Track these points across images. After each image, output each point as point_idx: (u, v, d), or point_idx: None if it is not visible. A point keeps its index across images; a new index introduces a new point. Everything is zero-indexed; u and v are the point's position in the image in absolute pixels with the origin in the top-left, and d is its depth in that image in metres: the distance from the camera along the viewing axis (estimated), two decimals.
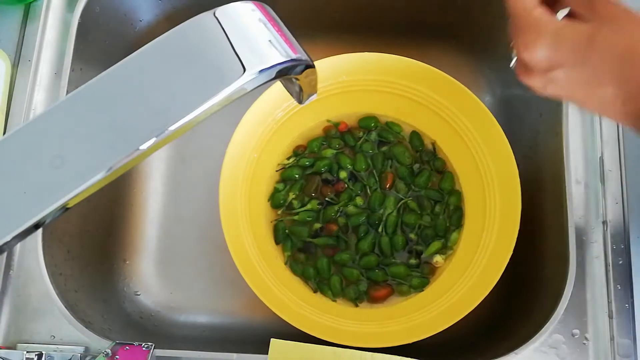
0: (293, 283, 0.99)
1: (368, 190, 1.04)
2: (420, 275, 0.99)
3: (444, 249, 1.00)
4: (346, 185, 1.04)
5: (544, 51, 0.60)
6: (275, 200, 1.04)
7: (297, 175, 1.05)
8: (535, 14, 0.61)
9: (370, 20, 1.16)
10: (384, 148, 1.06)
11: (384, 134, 1.06)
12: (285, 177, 1.05)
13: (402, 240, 1.01)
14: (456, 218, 1.01)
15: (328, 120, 1.07)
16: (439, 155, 1.05)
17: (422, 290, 0.98)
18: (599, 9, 0.59)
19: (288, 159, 1.06)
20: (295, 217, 1.03)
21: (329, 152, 1.05)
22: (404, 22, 1.16)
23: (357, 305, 0.99)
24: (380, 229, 1.01)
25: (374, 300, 0.99)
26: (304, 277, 1.00)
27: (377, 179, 1.04)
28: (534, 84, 0.64)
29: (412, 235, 1.02)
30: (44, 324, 0.88)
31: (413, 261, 1.00)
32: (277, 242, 1.02)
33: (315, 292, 0.99)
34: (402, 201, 1.02)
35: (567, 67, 0.60)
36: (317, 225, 1.03)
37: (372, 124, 1.06)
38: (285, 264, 1.01)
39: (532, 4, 0.62)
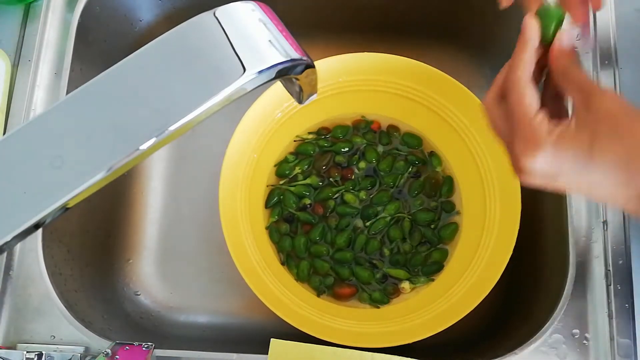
0: (293, 283, 0.99)
1: (375, 188, 1.05)
2: (381, 291, 0.99)
3: (413, 279, 1.00)
4: (354, 176, 1.04)
5: (544, 162, 0.59)
6: (282, 169, 1.05)
7: (311, 152, 1.06)
8: (535, 123, 0.60)
9: (370, 21, 1.16)
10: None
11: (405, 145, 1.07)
12: (299, 151, 1.06)
13: (376, 246, 1.01)
14: (450, 232, 1.02)
15: (362, 116, 1.07)
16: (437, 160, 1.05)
17: (378, 307, 0.98)
18: (594, 108, 0.58)
19: (309, 134, 1.07)
20: (292, 188, 1.04)
21: (359, 140, 1.06)
22: (404, 22, 1.16)
23: (318, 296, 0.99)
24: (363, 225, 1.02)
25: (337, 296, 1.00)
26: (278, 246, 1.02)
27: (394, 183, 1.04)
28: (535, 185, 0.63)
29: (386, 250, 1.02)
30: (44, 324, 0.88)
31: (378, 275, 1.00)
32: (266, 206, 1.04)
33: (282, 264, 1.01)
34: (401, 214, 1.03)
35: (569, 175, 0.60)
36: (307, 201, 1.04)
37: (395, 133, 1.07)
38: (266, 228, 1.02)
39: (534, 110, 0.61)
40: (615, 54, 0.96)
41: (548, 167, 0.60)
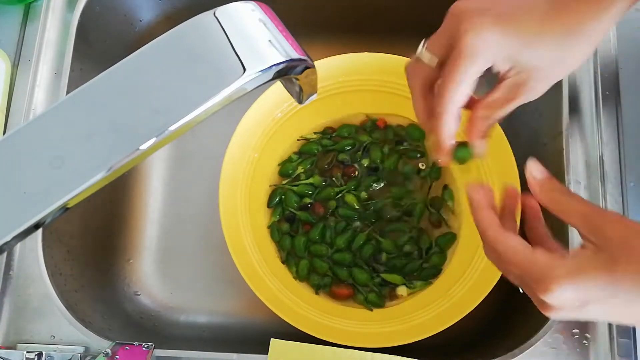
0: (292, 282, 0.99)
1: (377, 187, 1.05)
2: (377, 294, 0.99)
3: (409, 285, 1.00)
4: (357, 173, 1.04)
5: (568, 293, 0.57)
6: (285, 169, 1.05)
7: (315, 151, 1.06)
8: (539, 260, 0.59)
9: (370, 21, 1.16)
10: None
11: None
12: (303, 150, 1.06)
13: (373, 250, 1.01)
14: (448, 240, 1.02)
15: (367, 115, 1.07)
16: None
17: (371, 310, 0.98)
18: (609, 235, 0.57)
19: (314, 133, 1.07)
20: (295, 188, 1.03)
21: (366, 138, 1.06)
22: (405, 23, 1.15)
23: (316, 293, 0.99)
24: (362, 227, 1.02)
25: (334, 296, 1.00)
26: (279, 245, 1.02)
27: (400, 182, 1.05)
28: (566, 318, 0.63)
29: (383, 255, 1.01)
30: (44, 324, 0.88)
31: (377, 280, 1.00)
32: (269, 206, 1.03)
33: (283, 262, 1.00)
34: (401, 219, 1.03)
35: (598, 301, 0.57)
36: (307, 200, 1.03)
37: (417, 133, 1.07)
38: (268, 227, 1.02)
39: (528, 251, 0.61)
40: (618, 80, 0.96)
41: (572, 298, 0.58)
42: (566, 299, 0.58)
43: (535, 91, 0.69)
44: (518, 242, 0.62)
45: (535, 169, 0.65)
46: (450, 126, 0.70)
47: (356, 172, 1.04)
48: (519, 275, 0.61)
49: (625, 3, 0.62)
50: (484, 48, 0.64)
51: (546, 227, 0.69)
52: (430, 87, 0.72)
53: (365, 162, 1.05)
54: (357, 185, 1.04)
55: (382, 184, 1.04)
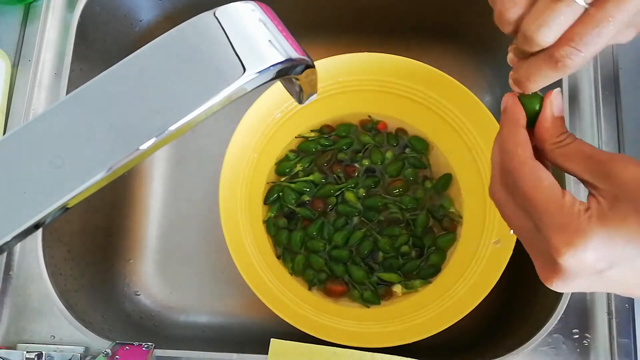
0: (288, 277, 1.00)
1: (377, 188, 1.05)
2: (372, 292, 0.99)
3: (406, 283, 1.00)
4: (357, 173, 1.05)
5: (596, 252, 0.47)
6: (282, 167, 1.05)
7: (313, 149, 1.06)
8: (568, 207, 0.49)
9: (370, 21, 1.16)
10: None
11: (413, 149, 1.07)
12: (300, 149, 1.06)
13: (370, 247, 1.01)
14: (448, 240, 1.02)
15: (369, 115, 1.07)
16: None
17: (368, 307, 0.98)
18: (619, 179, 0.49)
19: (311, 131, 1.07)
20: (293, 185, 1.04)
21: (367, 139, 1.06)
22: (405, 23, 1.15)
23: (309, 289, 1.00)
24: (360, 224, 1.03)
25: (328, 293, 1.00)
26: (275, 239, 1.02)
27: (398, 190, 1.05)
28: (573, 289, 0.51)
29: (380, 254, 1.02)
30: (44, 324, 0.88)
31: (373, 278, 1.00)
32: (265, 203, 1.04)
33: (278, 258, 1.01)
34: (398, 217, 1.03)
35: (625, 263, 0.48)
36: (306, 197, 1.04)
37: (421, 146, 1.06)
38: (264, 222, 1.03)
39: (558, 191, 0.51)
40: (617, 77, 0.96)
41: (596, 259, 0.48)
42: (589, 259, 0.48)
43: None
44: (547, 175, 0.52)
45: (557, 102, 0.55)
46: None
47: (356, 172, 1.04)
48: (531, 220, 0.51)
49: None
50: None
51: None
52: None
53: (366, 163, 1.05)
54: (356, 184, 1.04)
55: (380, 187, 1.05)
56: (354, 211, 1.03)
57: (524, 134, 0.54)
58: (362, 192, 1.03)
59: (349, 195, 1.03)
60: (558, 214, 0.49)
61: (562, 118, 0.55)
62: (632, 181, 0.48)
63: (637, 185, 0.48)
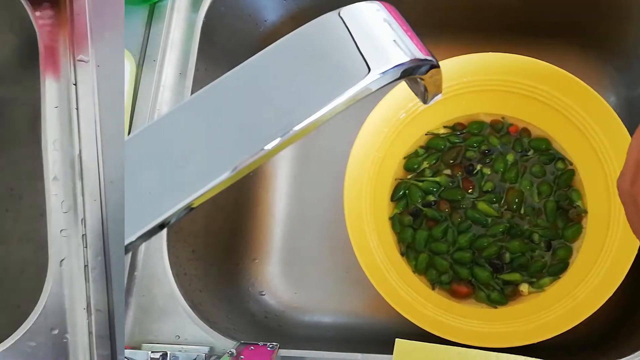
0: (416, 282, 0.99)
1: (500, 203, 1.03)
2: (499, 292, 0.98)
3: (532, 282, 0.98)
4: (474, 184, 1.04)
5: None
6: (411, 163, 1.05)
7: (442, 146, 1.05)
8: None
9: (492, 21, 1.15)
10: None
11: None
12: (430, 145, 1.06)
13: (496, 250, 1.00)
14: (574, 231, 1.00)
15: (502, 117, 1.06)
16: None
17: (495, 307, 0.97)
18: None
19: (444, 127, 1.06)
20: (420, 184, 1.03)
21: (495, 141, 1.05)
22: (526, 22, 1.14)
23: (433, 289, 0.99)
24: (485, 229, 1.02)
25: (453, 293, 0.99)
26: (399, 236, 1.02)
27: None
28: None
29: (507, 255, 1.00)
30: (168, 324, 0.89)
31: (499, 280, 0.99)
32: (392, 199, 1.04)
33: (402, 255, 1.00)
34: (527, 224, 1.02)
35: None
36: (431, 198, 1.03)
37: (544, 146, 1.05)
38: (390, 218, 1.02)
39: None
40: None
41: None
42: None
43: None
44: None
45: None
46: None
47: (473, 187, 1.03)
48: None
49: None
50: None
51: None
52: None
53: (487, 171, 1.03)
54: (479, 191, 1.03)
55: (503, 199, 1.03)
56: (484, 221, 1.01)
57: None
58: (494, 209, 1.02)
59: (482, 206, 1.02)
60: None
61: None
62: None
63: None
